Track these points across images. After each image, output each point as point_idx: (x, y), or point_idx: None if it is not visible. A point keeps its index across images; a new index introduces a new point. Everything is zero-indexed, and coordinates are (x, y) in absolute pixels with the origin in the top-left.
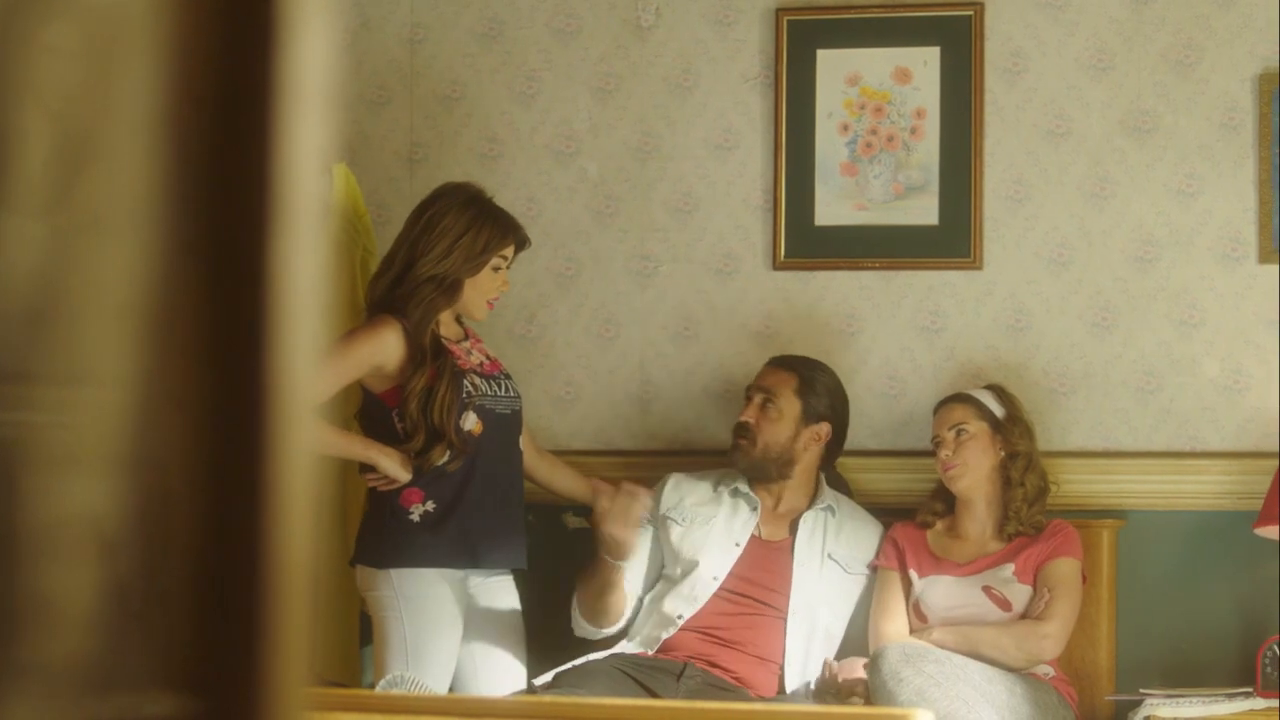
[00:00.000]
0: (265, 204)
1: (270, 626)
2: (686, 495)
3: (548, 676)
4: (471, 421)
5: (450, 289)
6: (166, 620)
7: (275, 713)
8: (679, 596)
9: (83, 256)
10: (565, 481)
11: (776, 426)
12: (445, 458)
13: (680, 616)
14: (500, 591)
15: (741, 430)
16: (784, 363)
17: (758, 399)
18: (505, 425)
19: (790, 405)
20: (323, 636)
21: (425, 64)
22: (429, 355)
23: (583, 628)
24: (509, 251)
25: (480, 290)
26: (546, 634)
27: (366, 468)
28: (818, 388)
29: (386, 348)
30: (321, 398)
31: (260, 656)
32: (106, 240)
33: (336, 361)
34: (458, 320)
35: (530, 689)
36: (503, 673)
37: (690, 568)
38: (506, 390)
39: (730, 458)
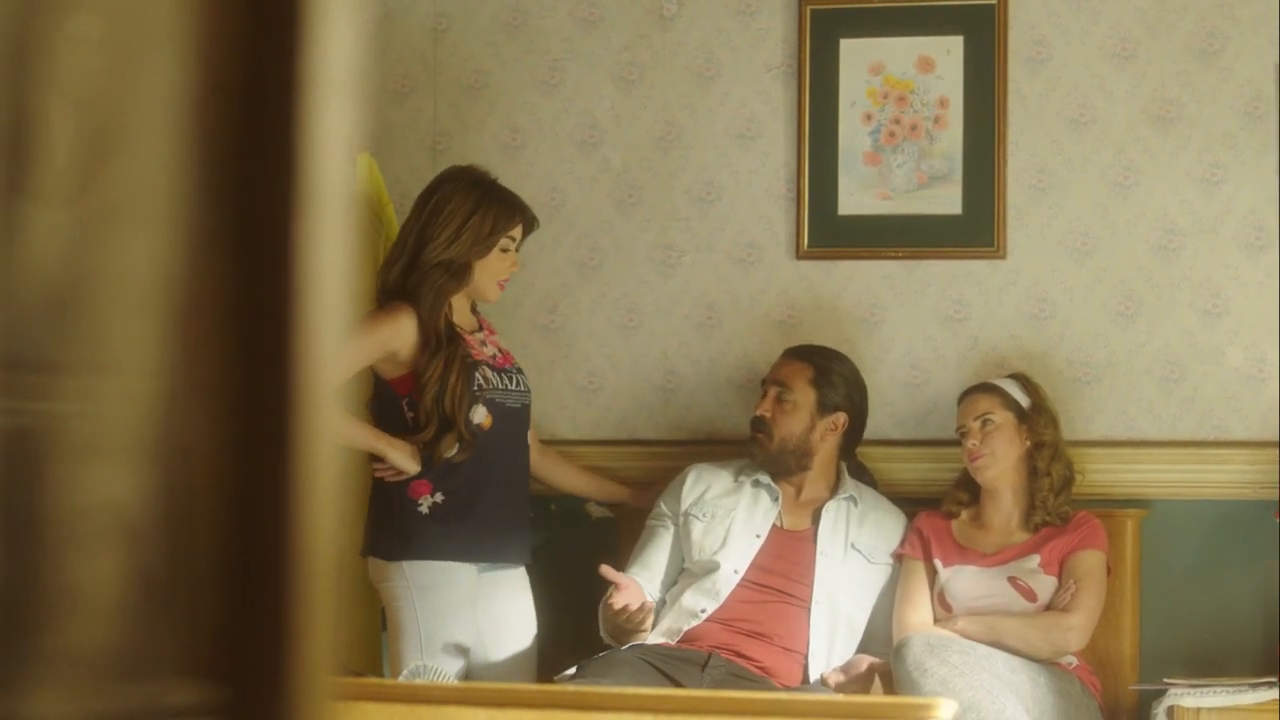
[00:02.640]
0: (290, 193)
1: (295, 615)
2: (708, 487)
3: (571, 670)
4: (481, 415)
5: (460, 272)
6: (192, 608)
7: (300, 701)
8: (700, 591)
9: (107, 246)
10: (568, 478)
11: (792, 419)
12: (454, 450)
13: (703, 610)
14: (513, 583)
15: (758, 424)
16: (799, 353)
17: (773, 392)
18: (515, 419)
19: (805, 396)
20: (345, 624)
21: (448, 53)
22: (443, 341)
23: (606, 639)
24: (516, 232)
25: (490, 272)
26: (568, 625)
27: (375, 458)
28: (833, 378)
29: (401, 334)
30: (334, 383)
31: (285, 644)
32: (131, 229)
33: (351, 348)
34: (472, 310)
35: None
36: (513, 664)
37: (712, 564)
38: (518, 384)
39: (748, 451)
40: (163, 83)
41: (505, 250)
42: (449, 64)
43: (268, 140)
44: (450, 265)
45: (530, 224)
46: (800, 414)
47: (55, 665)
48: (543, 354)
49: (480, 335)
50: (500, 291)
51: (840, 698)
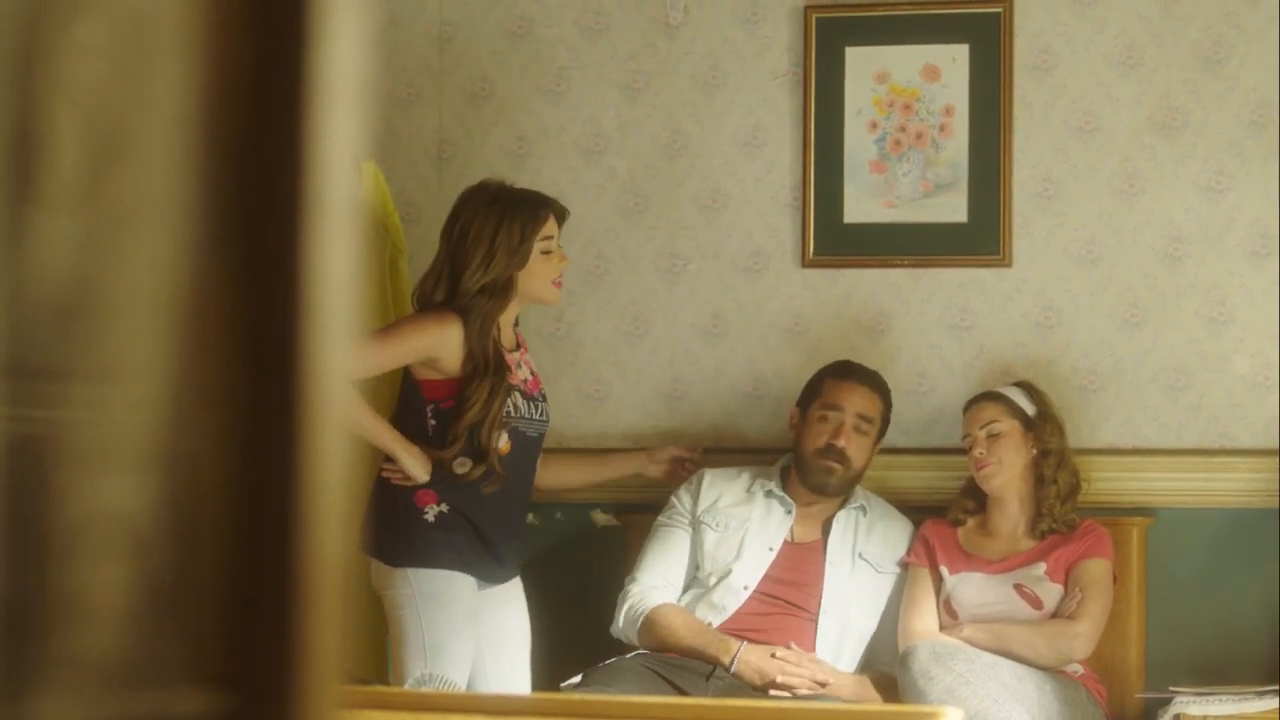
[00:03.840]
0: (297, 201)
1: (302, 622)
2: (720, 495)
3: (576, 678)
4: (502, 441)
5: (502, 290)
6: (198, 616)
7: (306, 709)
8: (709, 604)
9: (114, 253)
10: (562, 475)
11: (865, 449)
12: (466, 468)
13: (710, 624)
14: (509, 595)
15: (835, 454)
16: (867, 380)
17: (850, 422)
18: (530, 447)
19: (876, 427)
20: (351, 631)
21: (454, 62)
22: (491, 367)
23: (626, 638)
24: (550, 229)
25: (539, 277)
26: (573, 632)
27: (386, 458)
28: (890, 403)
29: (447, 341)
30: (372, 373)
31: (292, 652)
32: (138, 237)
33: (395, 342)
34: (514, 327)
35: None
36: (510, 677)
37: (723, 575)
38: (541, 414)
39: (815, 480)
40: (169, 90)
41: (547, 252)
42: (454, 72)
43: (273, 148)
44: (491, 287)
45: (561, 214)
46: (869, 443)
47: (61, 672)
48: (549, 362)
49: (517, 355)
50: (558, 291)
51: (846, 706)
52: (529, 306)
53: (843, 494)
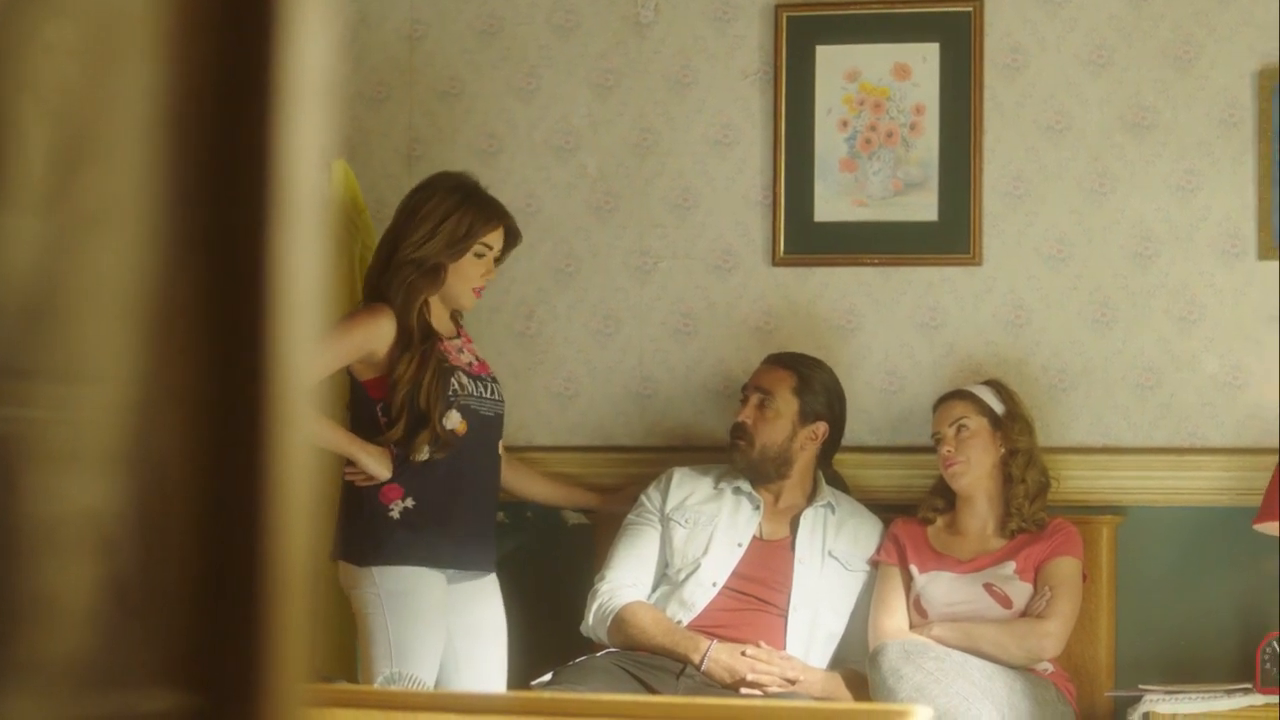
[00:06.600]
0: (265, 200)
1: (269, 622)
2: (690, 493)
3: (547, 676)
4: (455, 420)
5: (431, 273)
6: (165, 617)
7: (274, 709)
8: (679, 601)
9: (82, 253)
10: (535, 486)
11: (773, 426)
12: (426, 451)
13: (679, 622)
14: (483, 592)
15: (739, 431)
16: (781, 361)
17: (754, 399)
18: (488, 427)
19: (787, 405)
20: (319, 631)
21: (424, 60)
22: (417, 340)
23: (596, 637)
24: (494, 239)
25: (464, 278)
26: (543, 631)
27: (347, 461)
28: (815, 386)
29: (381, 334)
30: (317, 378)
31: (259, 652)
32: (106, 237)
33: (329, 346)
34: (452, 318)
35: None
36: (485, 674)
37: (692, 571)
38: (492, 393)
39: (729, 458)
40: (138, 90)
41: (480, 256)
42: (425, 70)
43: (242, 147)
44: (421, 264)
45: (513, 235)
46: (781, 422)
47: (28, 674)
48: (519, 360)
49: (457, 342)
50: (475, 299)
51: (816, 705)
52: (494, 311)
53: (757, 474)
